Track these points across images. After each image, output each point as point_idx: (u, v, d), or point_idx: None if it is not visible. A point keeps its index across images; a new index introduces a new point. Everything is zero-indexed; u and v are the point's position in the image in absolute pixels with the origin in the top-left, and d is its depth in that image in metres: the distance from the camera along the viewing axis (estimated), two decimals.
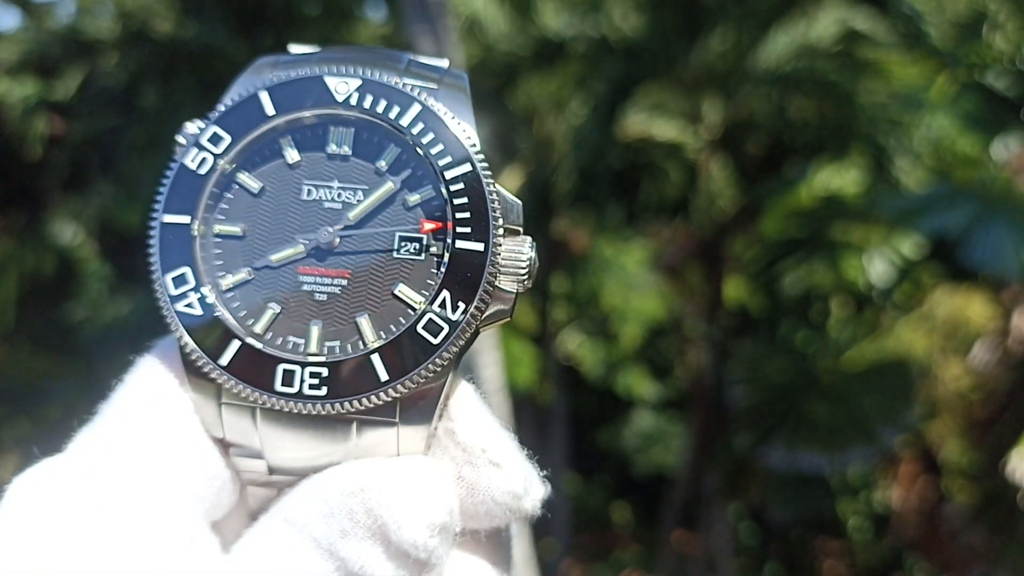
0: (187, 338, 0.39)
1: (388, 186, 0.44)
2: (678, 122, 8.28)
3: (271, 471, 0.43)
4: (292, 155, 0.42)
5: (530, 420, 10.29)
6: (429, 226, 0.45)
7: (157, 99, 9.28)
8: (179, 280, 0.39)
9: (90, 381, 8.13)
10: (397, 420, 0.43)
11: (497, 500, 0.50)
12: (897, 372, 7.46)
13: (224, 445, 0.42)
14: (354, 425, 0.42)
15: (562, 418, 9.93)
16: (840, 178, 7.91)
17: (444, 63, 0.48)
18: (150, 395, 0.39)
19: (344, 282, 0.42)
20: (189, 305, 0.39)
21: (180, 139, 0.42)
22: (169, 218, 0.39)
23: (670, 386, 11.43)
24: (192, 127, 0.42)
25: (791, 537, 11.44)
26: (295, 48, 0.46)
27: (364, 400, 0.42)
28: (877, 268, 7.80)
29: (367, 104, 0.44)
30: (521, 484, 0.50)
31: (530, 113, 8.86)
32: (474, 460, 0.49)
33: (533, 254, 0.52)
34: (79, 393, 8.07)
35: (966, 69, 8.41)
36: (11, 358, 8.94)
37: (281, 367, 0.41)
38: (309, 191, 0.42)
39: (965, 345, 7.79)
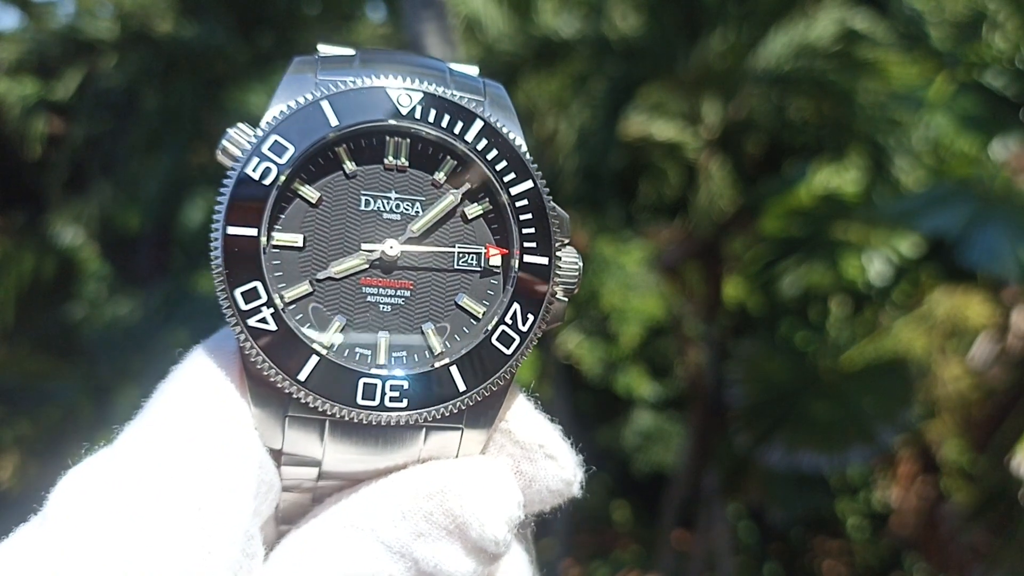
0: (262, 355, 0.38)
1: (449, 199, 0.44)
2: (677, 122, 8.29)
3: (320, 477, 0.43)
4: (350, 166, 0.42)
5: None
6: (495, 251, 0.46)
7: (157, 100, 9.29)
8: (249, 295, 0.38)
9: (90, 381, 8.14)
10: (463, 425, 0.45)
11: (552, 489, 0.53)
12: (896, 372, 7.47)
13: (276, 454, 0.41)
14: (423, 432, 0.43)
15: (561, 417, 9.92)
16: (839, 177, 7.91)
17: (475, 71, 0.48)
18: (209, 404, 0.39)
19: (407, 293, 0.42)
20: (262, 320, 0.38)
21: (230, 145, 0.39)
22: (233, 230, 0.37)
23: (669, 385, 11.44)
24: (241, 133, 0.40)
25: (790, 537, 11.44)
26: (326, 49, 0.45)
27: (444, 410, 0.43)
28: (876, 268, 7.81)
29: (431, 118, 0.44)
30: (573, 472, 0.54)
31: (530, 113, 8.86)
32: (532, 456, 0.52)
33: (581, 263, 0.53)
34: (79, 393, 8.07)
35: (965, 68, 8.42)
36: (11, 358, 8.94)
37: (362, 381, 0.41)
38: (367, 202, 0.41)
39: (964, 344, 7.79)
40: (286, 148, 0.40)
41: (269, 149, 0.39)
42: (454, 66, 0.48)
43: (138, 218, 9.62)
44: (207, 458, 0.37)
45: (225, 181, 0.39)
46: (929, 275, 7.55)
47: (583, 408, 11.77)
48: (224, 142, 0.40)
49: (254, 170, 0.39)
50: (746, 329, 9.61)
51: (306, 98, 0.41)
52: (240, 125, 0.40)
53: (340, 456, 0.42)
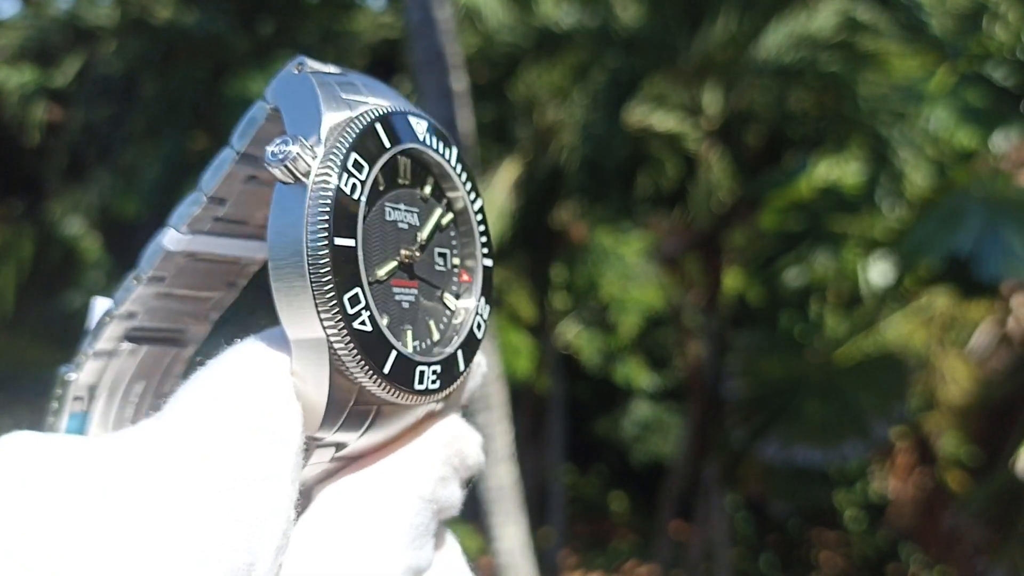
0: (361, 355, 0.42)
1: (439, 211, 0.49)
2: (677, 113, 8.28)
3: (333, 458, 0.47)
4: (381, 181, 0.46)
5: (528, 409, 10.31)
6: (467, 252, 0.52)
7: (156, 87, 9.28)
8: (352, 300, 0.41)
9: None
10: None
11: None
12: (892, 366, 7.49)
13: (310, 440, 0.45)
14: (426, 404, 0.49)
15: (560, 407, 9.97)
16: (840, 169, 7.91)
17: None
18: (275, 401, 0.41)
19: (416, 291, 0.47)
20: (363, 323, 0.42)
21: (301, 160, 0.43)
22: (340, 240, 0.41)
23: (668, 376, 11.47)
24: (307, 148, 0.43)
25: (788, 528, 11.50)
26: (314, 64, 0.48)
27: (452, 386, 0.48)
28: (876, 269, 7.84)
29: (435, 145, 0.49)
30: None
31: (529, 103, 8.85)
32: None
33: None
34: None
35: (966, 60, 8.41)
36: (10, 346, 8.96)
37: (419, 368, 0.45)
38: (389, 212, 0.46)
39: (963, 336, 7.81)
40: (363, 165, 0.43)
41: (352, 166, 0.43)
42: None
43: (136, 205, 9.62)
44: (257, 439, 0.40)
45: (321, 193, 0.42)
46: (945, 293, 7.55)
47: (582, 398, 11.80)
48: (292, 155, 0.43)
49: (346, 184, 0.43)
50: (745, 321, 9.63)
51: (363, 119, 0.45)
52: (301, 139, 0.43)
53: (375, 437, 0.46)
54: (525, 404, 10.22)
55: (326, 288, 0.40)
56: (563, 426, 10.01)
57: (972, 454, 7.88)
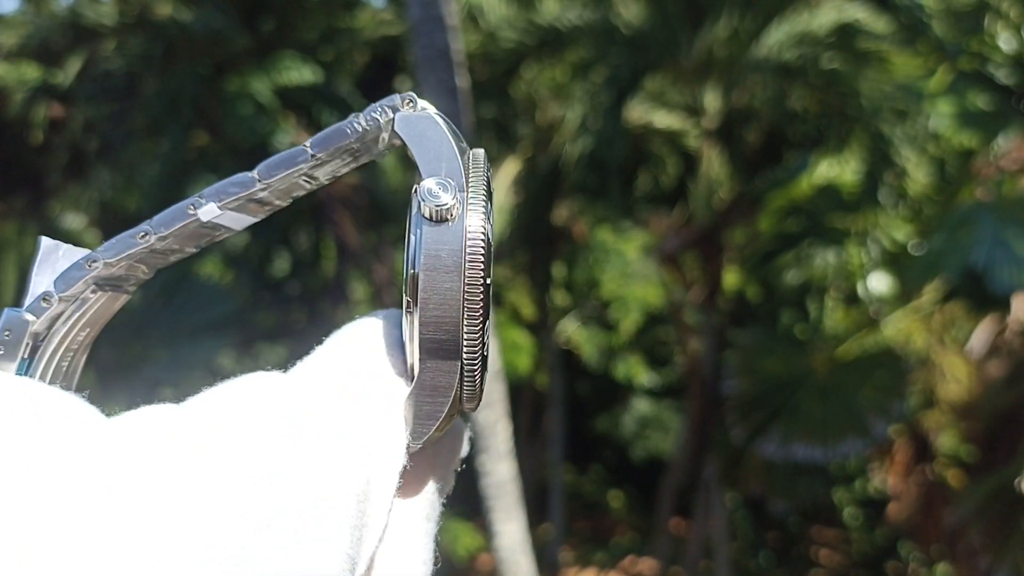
0: (483, 375, 0.47)
1: None
2: (678, 111, 8.29)
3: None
4: None
5: (528, 406, 10.33)
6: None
7: (156, 84, 9.29)
8: (487, 330, 0.46)
9: (88, 366, 8.15)
10: None
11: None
12: (891, 364, 7.50)
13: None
14: None
15: (560, 404, 9.98)
16: (840, 167, 7.92)
17: None
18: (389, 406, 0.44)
19: None
20: (487, 348, 0.47)
21: (454, 205, 0.48)
22: (488, 280, 0.46)
23: (668, 374, 11.48)
24: (457, 198, 0.48)
25: (788, 525, 11.52)
26: (422, 103, 0.52)
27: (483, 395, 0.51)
28: (877, 278, 7.87)
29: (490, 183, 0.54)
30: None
31: (531, 101, 8.86)
32: None
33: None
34: None
35: (967, 58, 8.41)
36: None
37: (485, 379, 0.49)
38: None
39: (963, 334, 7.82)
40: (491, 209, 0.47)
41: (489, 214, 0.47)
42: None
43: (137, 202, 9.64)
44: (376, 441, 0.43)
45: (479, 240, 0.47)
46: (960, 309, 7.57)
47: (582, 395, 11.83)
48: (447, 204, 0.48)
49: (490, 232, 0.47)
50: (745, 318, 9.65)
51: (483, 167, 0.49)
52: (455, 187, 0.48)
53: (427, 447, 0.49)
54: (525, 401, 10.25)
55: (477, 322, 0.45)
56: (563, 423, 10.03)
57: (971, 452, 7.89)
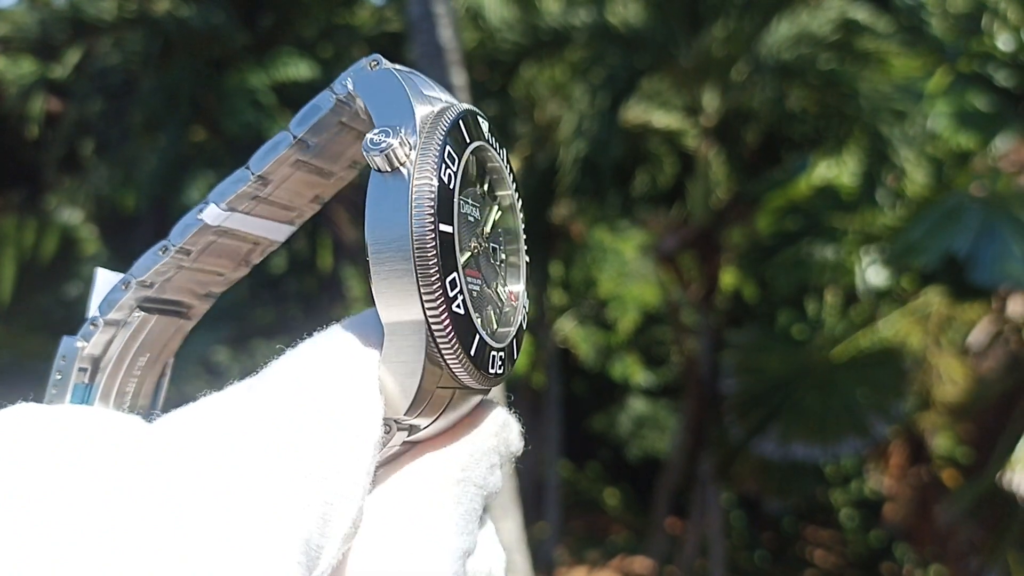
0: (455, 336, 0.44)
1: (495, 208, 0.51)
2: (676, 111, 8.29)
3: (405, 442, 0.49)
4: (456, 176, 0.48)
5: (525, 404, 10.33)
6: (511, 247, 0.54)
7: (155, 80, 9.26)
8: (452, 284, 0.44)
9: None
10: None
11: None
12: (889, 363, 7.50)
13: (389, 423, 0.47)
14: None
15: (556, 403, 9.99)
16: (838, 168, 7.93)
17: None
18: (352, 373, 0.43)
19: (480, 282, 0.49)
20: (458, 306, 0.43)
21: (399, 149, 0.45)
22: (443, 227, 0.44)
23: (664, 373, 11.49)
24: (405, 140, 0.45)
25: (783, 525, 11.53)
26: (387, 62, 0.50)
27: (509, 372, 0.50)
28: (873, 271, 7.85)
29: (495, 144, 0.51)
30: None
31: (530, 100, 8.86)
32: None
33: None
34: None
35: (966, 60, 8.42)
36: (8, 337, 8.97)
37: (491, 353, 0.47)
38: (461, 205, 0.48)
39: (959, 335, 7.83)
40: (455, 157, 0.45)
41: (447, 157, 0.45)
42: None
43: (135, 198, 9.62)
44: (341, 416, 0.42)
45: (425, 182, 0.45)
46: (937, 295, 7.55)
47: (578, 394, 11.83)
48: (392, 146, 0.45)
49: (444, 174, 0.45)
50: (742, 318, 9.65)
51: (449, 113, 0.47)
52: (400, 130, 0.45)
53: (437, 425, 0.47)
54: (522, 399, 10.25)
55: (431, 271, 0.42)
56: (559, 422, 10.03)
57: (967, 454, 7.90)
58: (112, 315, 0.52)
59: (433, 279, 0.43)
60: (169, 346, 0.57)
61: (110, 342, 0.53)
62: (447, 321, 0.43)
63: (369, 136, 0.43)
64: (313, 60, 9.26)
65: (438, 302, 0.43)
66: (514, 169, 0.53)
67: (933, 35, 8.47)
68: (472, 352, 0.45)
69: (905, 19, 8.29)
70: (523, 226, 0.54)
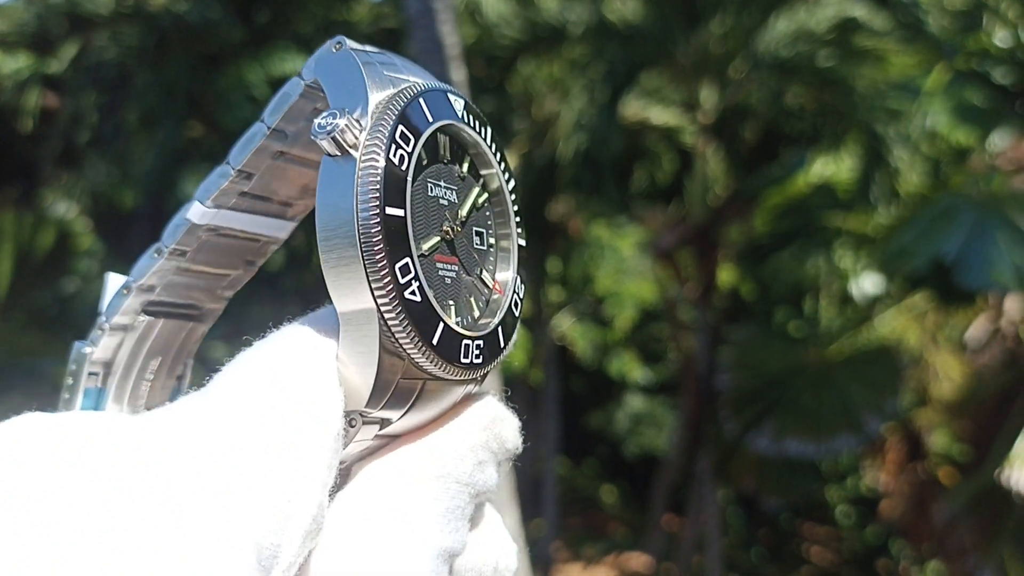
0: (410, 325, 0.42)
1: (476, 190, 0.50)
2: (674, 107, 8.28)
3: (378, 435, 0.47)
4: (424, 157, 0.46)
5: (522, 401, 10.28)
6: (503, 231, 0.52)
7: (151, 75, 9.24)
8: (403, 270, 0.42)
9: None
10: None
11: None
12: (885, 361, 7.51)
13: (353, 415, 0.45)
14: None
15: (554, 400, 9.99)
16: (835, 165, 7.92)
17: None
18: (307, 364, 0.41)
19: (457, 268, 0.47)
20: (413, 293, 0.42)
21: (348, 131, 0.43)
22: (391, 210, 0.42)
23: (662, 370, 11.49)
24: (354, 122, 0.43)
25: (780, 522, 11.54)
26: (353, 44, 0.48)
27: (494, 362, 0.48)
28: (867, 278, 7.86)
29: (472, 123, 0.49)
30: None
31: (528, 95, 8.84)
32: None
33: None
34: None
35: (964, 57, 8.42)
36: (3, 333, 8.94)
37: (464, 342, 0.45)
38: (432, 188, 0.46)
39: (956, 333, 7.84)
40: (409, 138, 0.43)
41: (399, 137, 0.43)
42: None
43: (131, 194, 9.60)
44: (300, 411, 0.40)
45: (371, 164, 0.43)
46: (926, 298, 7.54)
47: (575, 391, 11.83)
48: (340, 127, 0.43)
49: (394, 155, 0.43)
50: (740, 315, 9.65)
51: (406, 93, 0.45)
52: (348, 112, 0.44)
53: (420, 414, 0.46)
54: (519, 396, 10.23)
55: (377, 257, 0.40)
56: (557, 418, 10.03)
57: (963, 450, 7.91)
58: (117, 320, 0.52)
59: (380, 265, 0.42)
60: (184, 348, 0.56)
61: (119, 346, 0.53)
62: (399, 308, 0.42)
63: (316, 120, 0.42)
64: (309, 56, 9.24)
65: (387, 289, 0.41)
66: (502, 148, 0.51)
67: (931, 32, 8.47)
68: (435, 341, 0.43)
69: (903, 16, 8.28)
70: (515, 208, 0.52)
